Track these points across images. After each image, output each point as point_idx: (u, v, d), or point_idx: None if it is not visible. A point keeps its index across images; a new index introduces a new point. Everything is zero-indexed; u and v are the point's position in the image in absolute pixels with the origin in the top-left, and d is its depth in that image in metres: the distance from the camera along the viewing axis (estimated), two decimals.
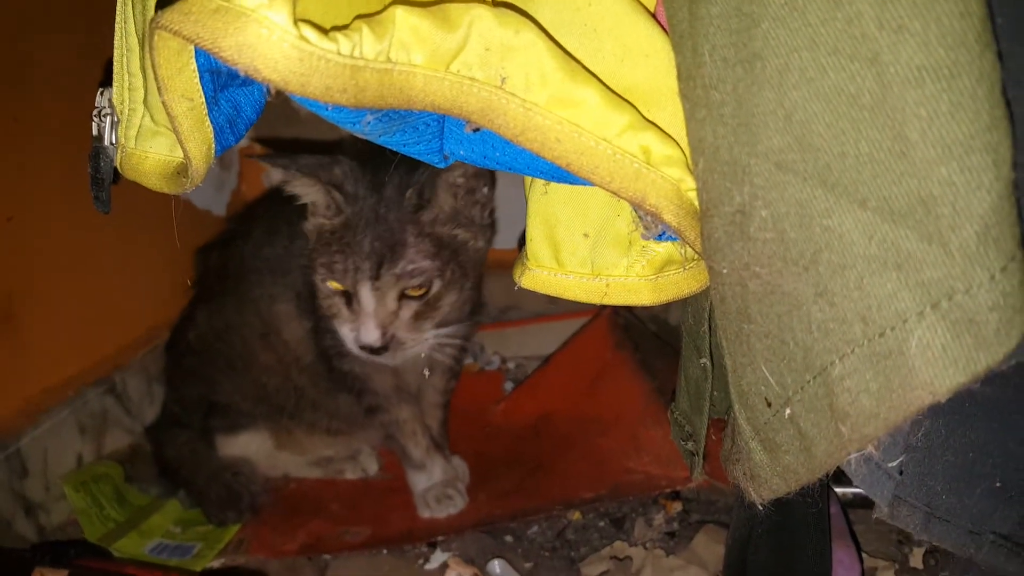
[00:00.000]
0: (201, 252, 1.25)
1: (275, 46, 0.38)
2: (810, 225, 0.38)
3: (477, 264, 0.98)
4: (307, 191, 0.92)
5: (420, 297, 0.92)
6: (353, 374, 1.11)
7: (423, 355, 1.02)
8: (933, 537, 0.52)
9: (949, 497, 0.52)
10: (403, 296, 0.91)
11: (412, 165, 0.90)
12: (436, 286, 0.92)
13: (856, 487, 0.93)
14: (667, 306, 1.49)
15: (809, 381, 0.42)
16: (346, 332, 0.94)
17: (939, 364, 0.35)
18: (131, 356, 1.26)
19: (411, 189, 0.88)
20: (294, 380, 1.17)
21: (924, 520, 0.52)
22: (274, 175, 0.90)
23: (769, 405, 0.46)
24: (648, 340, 1.33)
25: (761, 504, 0.52)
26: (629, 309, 1.42)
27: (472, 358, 1.49)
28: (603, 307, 1.39)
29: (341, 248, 0.90)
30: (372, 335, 0.90)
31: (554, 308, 1.54)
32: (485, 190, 0.92)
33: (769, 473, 0.49)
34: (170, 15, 0.39)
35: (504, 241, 1.44)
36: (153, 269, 1.31)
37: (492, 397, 1.39)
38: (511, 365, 1.52)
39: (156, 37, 0.41)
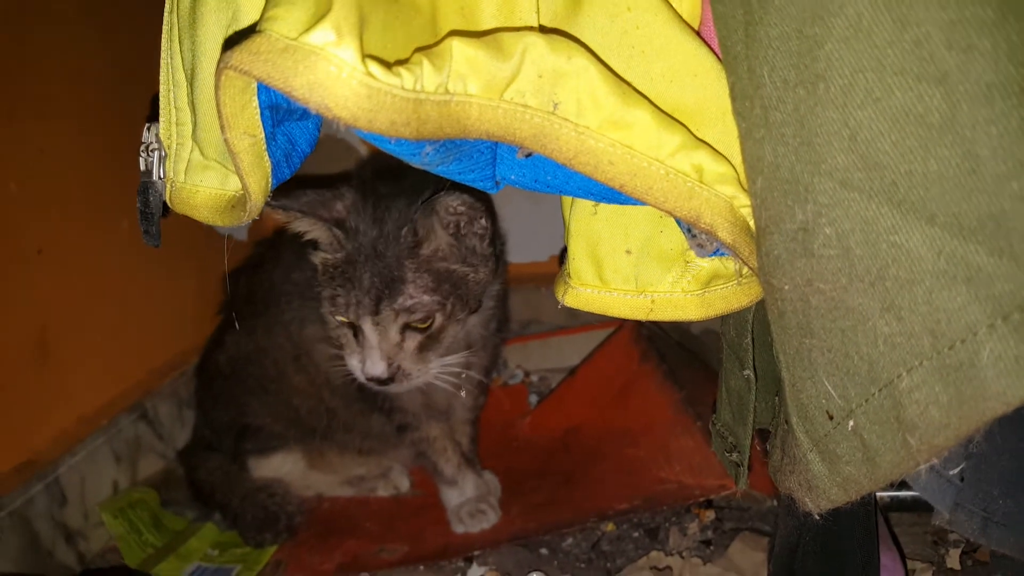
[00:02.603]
0: (230, 276, 1.25)
1: (345, 84, 0.39)
2: (876, 242, 0.39)
3: (479, 296, 0.97)
4: (309, 229, 0.92)
5: (424, 330, 0.92)
6: (382, 394, 1.11)
7: (463, 375, 1.03)
8: (992, 542, 0.53)
9: (1006, 501, 0.52)
10: (407, 328, 0.92)
11: (412, 199, 0.90)
12: (438, 320, 0.92)
13: (893, 491, 0.94)
14: None
15: (874, 394, 0.42)
16: (355, 363, 0.94)
17: (1012, 375, 0.36)
18: (161, 381, 1.27)
19: (407, 227, 0.88)
20: (326, 402, 1.18)
21: (982, 525, 0.52)
22: (278, 216, 0.89)
23: (831, 418, 0.46)
24: (673, 350, 1.33)
25: (818, 514, 0.53)
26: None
27: (495, 372, 1.49)
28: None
29: (343, 283, 0.90)
30: (378, 367, 0.91)
31: (575, 321, 1.55)
32: (483, 221, 0.92)
33: (828, 484, 0.49)
34: (239, 55, 0.39)
35: (524, 255, 1.46)
36: (180, 294, 1.32)
37: (517, 411, 1.40)
38: (534, 378, 1.52)
39: (223, 77, 0.41)
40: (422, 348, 0.93)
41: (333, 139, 1.48)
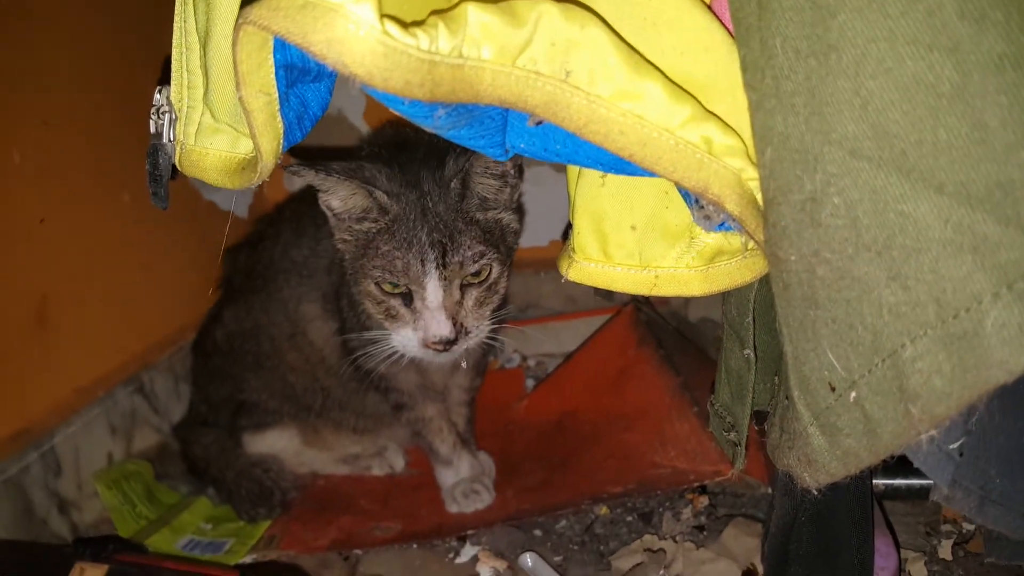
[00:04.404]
0: (229, 253, 1.26)
1: (362, 41, 0.39)
2: (884, 211, 0.39)
3: (514, 247, 0.98)
4: (346, 196, 0.90)
5: (480, 283, 0.92)
6: (379, 373, 1.12)
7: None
8: (988, 520, 0.53)
9: (1003, 481, 0.53)
10: (464, 284, 0.91)
11: (438, 159, 0.91)
12: (495, 270, 0.92)
13: (888, 479, 0.95)
14: (686, 302, 1.51)
15: (878, 364, 0.43)
16: (407, 334, 0.93)
17: (1015, 343, 0.37)
18: (159, 356, 1.27)
19: (454, 179, 0.88)
20: (321, 380, 1.18)
21: (979, 503, 0.53)
22: (315, 183, 0.88)
23: (833, 389, 0.47)
24: (670, 336, 1.33)
25: (816, 490, 0.53)
26: (651, 305, 1.43)
27: (493, 356, 1.50)
28: (624, 304, 1.40)
29: (397, 246, 0.88)
30: (444, 327, 0.89)
31: (573, 306, 1.55)
32: (513, 171, 0.93)
33: (828, 458, 0.50)
34: (259, 11, 0.40)
35: (524, 240, 1.46)
36: (180, 269, 1.32)
37: (514, 394, 1.40)
38: (531, 363, 1.53)
39: (242, 32, 0.42)
40: (480, 303, 0.93)
41: (335, 118, 1.48)
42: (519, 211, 0.99)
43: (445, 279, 0.89)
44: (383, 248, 0.89)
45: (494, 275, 0.93)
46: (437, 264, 0.88)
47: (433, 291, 0.89)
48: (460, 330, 0.91)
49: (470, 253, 0.89)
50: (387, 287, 0.91)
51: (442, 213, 0.89)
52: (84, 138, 1.12)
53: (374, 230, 0.90)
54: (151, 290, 1.26)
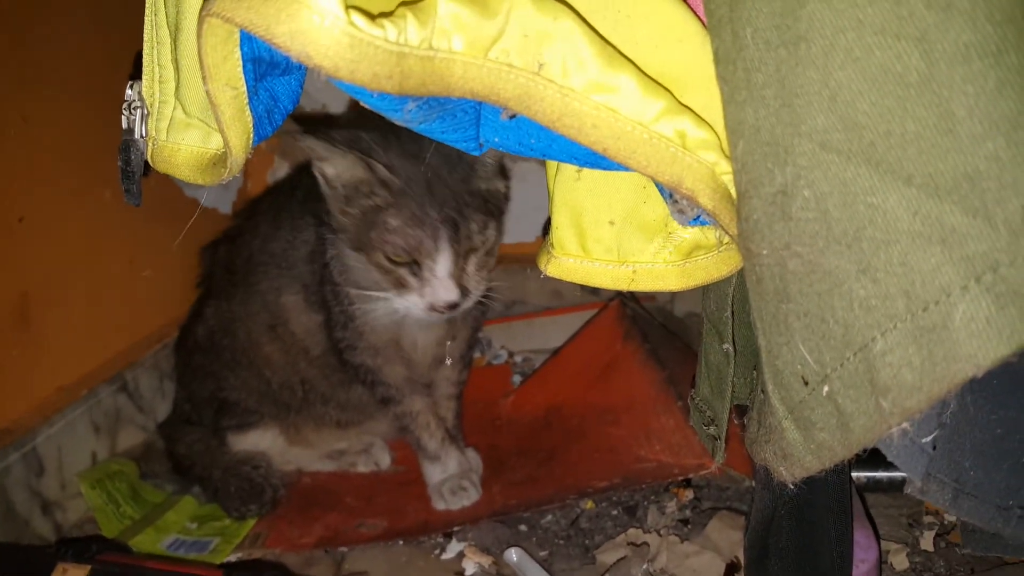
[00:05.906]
0: (206, 249, 1.25)
1: (327, 33, 0.39)
2: (854, 203, 0.39)
3: (505, 211, 1.03)
4: (344, 167, 0.91)
5: (482, 249, 0.96)
6: (365, 366, 1.11)
7: (448, 344, 1.08)
8: (962, 513, 0.53)
9: (977, 473, 0.53)
10: (467, 251, 0.95)
11: None
12: (492, 236, 0.97)
13: (869, 471, 0.95)
14: (672, 297, 1.51)
15: (849, 358, 0.42)
16: (413, 300, 0.96)
17: (983, 336, 0.36)
18: (142, 354, 1.26)
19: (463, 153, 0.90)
20: (302, 372, 1.18)
21: (953, 496, 0.53)
22: (315, 149, 0.90)
23: (806, 383, 0.46)
24: (656, 331, 1.33)
25: (792, 483, 0.53)
26: (636, 301, 1.43)
27: (479, 352, 1.50)
28: (610, 299, 1.40)
29: (406, 222, 0.91)
30: (452, 293, 0.94)
31: (560, 302, 1.55)
32: None
33: (802, 451, 0.50)
34: (222, 2, 0.39)
35: (510, 236, 1.45)
36: (163, 267, 1.31)
37: (500, 390, 1.40)
38: (518, 359, 1.53)
39: (206, 25, 0.41)
40: (480, 267, 0.98)
41: (319, 114, 1.47)
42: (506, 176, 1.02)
43: (454, 252, 0.92)
44: (392, 223, 0.91)
45: (493, 241, 0.97)
46: (449, 239, 0.91)
47: (443, 263, 0.93)
48: (464, 292, 0.95)
49: (476, 226, 0.93)
50: (396, 258, 0.94)
51: (450, 186, 0.91)
52: (65, 135, 1.12)
53: (379, 204, 0.92)
54: (134, 287, 1.25)
